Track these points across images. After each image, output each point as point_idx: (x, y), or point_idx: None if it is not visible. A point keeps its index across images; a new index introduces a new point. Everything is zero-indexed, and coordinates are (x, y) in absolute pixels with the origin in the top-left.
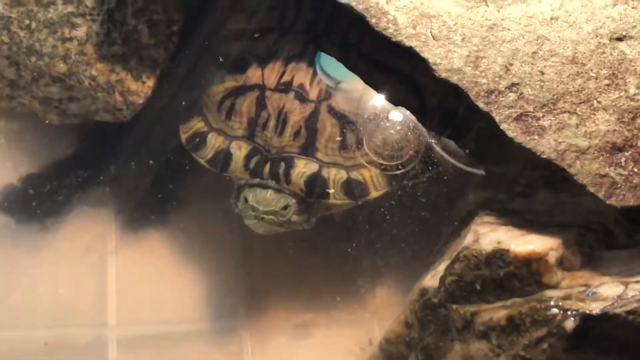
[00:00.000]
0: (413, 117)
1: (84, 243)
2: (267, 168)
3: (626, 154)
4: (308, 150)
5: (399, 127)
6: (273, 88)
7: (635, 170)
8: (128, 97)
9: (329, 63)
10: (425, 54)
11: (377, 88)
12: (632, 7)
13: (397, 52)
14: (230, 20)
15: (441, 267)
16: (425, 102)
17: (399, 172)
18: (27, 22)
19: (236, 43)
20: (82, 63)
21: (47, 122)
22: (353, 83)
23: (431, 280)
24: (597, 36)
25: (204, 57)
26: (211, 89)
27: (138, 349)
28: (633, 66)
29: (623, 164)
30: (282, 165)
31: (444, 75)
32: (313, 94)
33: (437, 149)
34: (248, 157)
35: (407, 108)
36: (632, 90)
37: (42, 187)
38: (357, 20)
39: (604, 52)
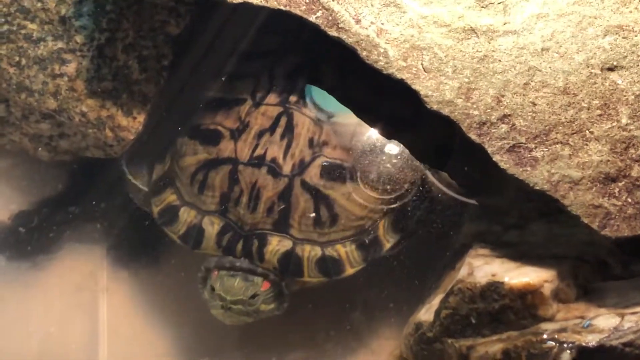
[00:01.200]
0: (407, 150)
1: (75, 281)
2: (239, 245)
3: (619, 184)
4: (282, 226)
5: (393, 160)
6: (246, 162)
7: (629, 200)
8: (119, 133)
9: (321, 97)
10: (417, 86)
11: (370, 123)
12: (623, 37)
13: (388, 86)
14: (205, 88)
15: (436, 301)
16: (419, 135)
17: (394, 205)
18: (17, 58)
19: (209, 113)
20: (72, 99)
21: (37, 158)
22: (345, 116)
23: (426, 314)
24: (588, 66)
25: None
26: (184, 161)
27: None
28: (625, 96)
29: (617, 195)
30: (256, 242)
31: (435, 107)
32: (287, 168)
33: (432, 180)
34: (220, 234)
35: (400, 142)
36: (624, 120)
37: (33, 224)
38: (349, 54)
39: (595, 83)
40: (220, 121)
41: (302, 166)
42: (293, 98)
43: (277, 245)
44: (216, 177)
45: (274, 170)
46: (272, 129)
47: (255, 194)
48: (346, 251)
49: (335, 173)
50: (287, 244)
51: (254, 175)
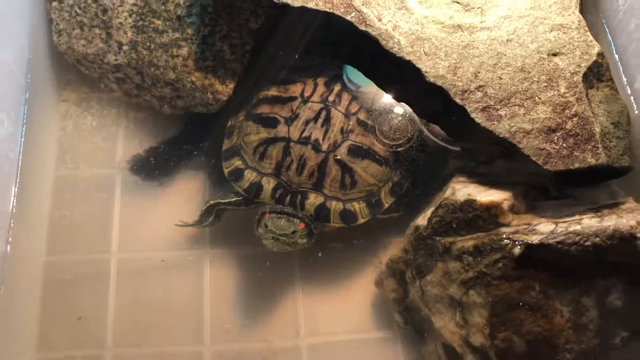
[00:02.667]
0: (410, 110)
1: (187, 195)
2: (288, 198)
3: (558, 134)
4: (318, 186)
5: (401, 116)
6: (296, 140)
7: (564, 145)
8: (216, 96)
9: (353, 74)
10: (419, 65)
11: (386, 90)
12: (563, 33)
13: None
14: (265, 89)
15: (429, 212)
16: (419, 99)
17: (400, 149)
18: (148, 44)
19: (269, 105)
20: (185, 72)
21: (162, 112)
22: (369, 87)
23: (422, 220)
24: (539, 52)
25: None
26: (248, 138)
27: (227, 264)
28: (563, 73)
29: (555, 141)
30: (299, 196)
31: (432, 79)
32: (325, 147)
33: (426, 131)
34: (275, 189)
35: (406, 103)
36: (562, 90)
37: (159, 156)
38: (373, 42)
39: (543, 64)
40: (277, 111)
41: (335, 146)
42: (330, 98)
43: (314, 199)
44: (273, 150)
45: (316, 148)
46: (315, 119)
47: (301, 163)
48: (360, 207)
49: (357, 152)
50: (320, 199)
51: (302, 150)
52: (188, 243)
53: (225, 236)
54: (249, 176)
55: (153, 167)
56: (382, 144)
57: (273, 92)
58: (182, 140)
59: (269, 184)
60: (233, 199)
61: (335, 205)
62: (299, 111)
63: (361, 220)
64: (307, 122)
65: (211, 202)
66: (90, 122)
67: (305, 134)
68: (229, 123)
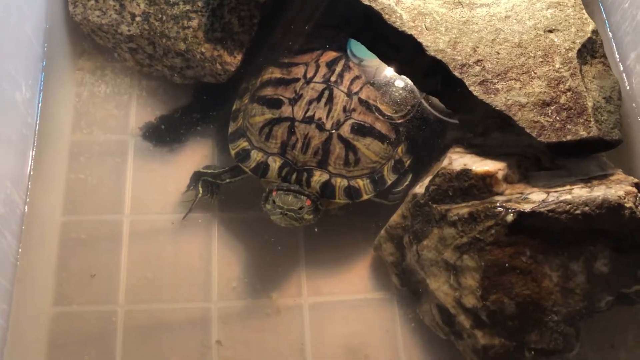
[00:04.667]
0: (411, 82)
1: (196, 160)
2: (294, 176)
3: (551, 107)
4: (322, 164)
5: (402, 89)
6: (300, 120)
7: (557, 118)
8: (225, 66)
9: (357, 48)
10: (420, 39)
11: (388, 63)
12: (560, 10)
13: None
14: (269, 72)
15: (426, 180)
16: (419, 72)
17: (401, 120)
18: (160, 15)
19: (273, 87)
20: (195, 43)
21: (173, 82)
22: (372, 60)
23: (420, 188)
24: (535, 29)
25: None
26: (254, 119)
27: (235, 227)
28: (558, 49)
29: (549, 114)
30: (305, 174)
31: (432, 53)
32: (328, 125)
33: (426, 104)
34: (281, 168)
35: (407, 76)
36: (557, 65)
37: (170, 124)
38: (376, 17)
39: (539, 40)
40: (281, 93)
41: (338, 124)
42: (332, 78)
43: (319, 177)
44: (278, 130)
45: (320, 126)
46: (318, 99)
47: (306, 142)
48: (364, 184)
49: (359, 130)
50: (325, 176)
51: (306, 129)
52: (198, 206)
53: (234, 201)
54: (256, 156)
55: (164, 134)
56: (383, 117)
57: (276, 74)
58: (192, 108)
59: (275, 163)
60: (217, 171)
61: (340, 182)
62: (302, 92)
63: (365, 197)
64: (310, 102)
65: (195, 170)
66: (105, 90)
67: (309, 113)
68: (234, 107)
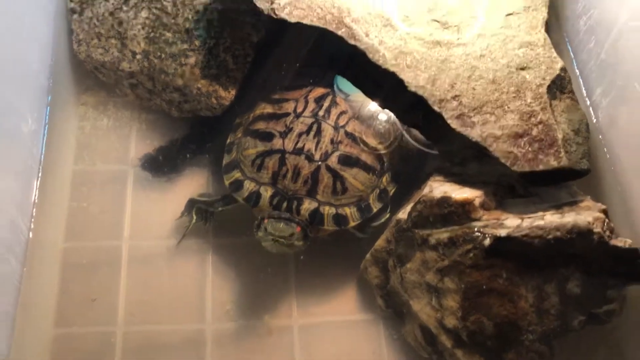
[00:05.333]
0: (394, 116)
1: (192, 188)
2: (284, 204)
3: (524, 139)
4: (312, 193)
5: (385, 122)
6: (290, 151)
7: (529, 149)
8: (220, 101)
9: (343, 84)
10: (402, 76)
11: (373, 98)
12: (531, 49)
13: (385, 77)
14: (261, 107)
15: (409, 207)
16: (401, 107)
17: (385, 151)
18: (159, 53)
19: (265, 122)
20: (192, 80)
21: (171, 115)
22: (357, 96)
23: (403, 214)
24: (508, 67)
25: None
26: (247, 152)
27: (228, 252)
28: (530, 85)
29: (522, 146)
30: (295, 202)
31: (413, 89)
32: (317, 156)
33: (407, 136)
34: (272, 197)
35: (390, 110)
36: (529, 100)
37: (168, 155)
38: (361, 55)
39: (512, 77)
40: (272, 127)
41: (326, 155)
42: (321, 113)
43: (308, 205)
44: (270, 161)
45: (309, 157)
46: (307, 132)
47: (296, 172)
48: (351, 211)
49: (346, 161)
50: (314, 205)
51: (296, 160)
52: (193, 232)
53: (227, 228)
54: (248, 186)
55: (162, 165)
56: (369, 148)
57: (268, 109)
58: (189, 140)
59: (266, 192)
60: (211, 199)
61: (328, 210)
62: (293, 125)
63: (352, 224)
64: (300, 135)
65: (190, 198)
66: (106, 123)
67: (299, 145)
68: (228, 140)
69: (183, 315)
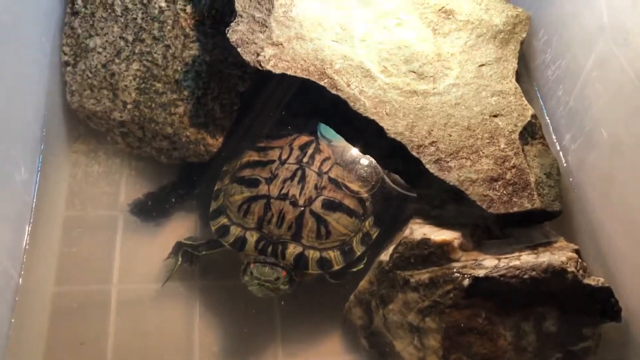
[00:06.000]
0: (375, 161)
1: (180, 232)
2: (270, 249)
3: (499, 183)
4: (296, 237)
5: (367, 167)
6: (275, 197)
7: (504, 192)
8: (208, 148)
9: (326, 131)
10: (382, 124)
11: (354, 144)
12: (503, 98)
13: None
14: (247, 155)
15: (390, 249)
16: (381, 152)
17: (367, 195)
18: (149, 103)
19: (251, 169)
20: (181, 128)
21: (160, 162)
22: (340, 142)
23: (385, 256)
24: (482, 114)
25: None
26: (233, 198)
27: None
28: (503, 132)
29: (497, 189)
30: (280, 247)
31: (392, 136)
32: (301, 202)
33: (388, 180)
34: (257, 241)
35: (371, 156)
36: (502, 146)
37: (156, 200)
38: (342, 104)
39: (486, 124)
40: (258, 173)
41: (310, 201)
42: (305, 159)
43: (293, 249)
44: (256, 207)
45: (294, 203)
46: (292, 178)
47: (281, 217)
48: (334, 255)
49: (330, 206)
50: (299, 249)
51: (281, 205)
52: (180, 275)
53: (214, 270)
54: (234, 231)
55: (151, 210)
56: (351, 193)
57: (254, 157)
58: (177, 186)
59: (252, 237)
60: (196, 243)
61: (312, 254)
62: (278, 172)
63: (336, 267)
64: (285, 181)
65: (177, 240)
66: (97, 170)
67: (284, 191)
68: (216, 187)
69: (171, 358)
